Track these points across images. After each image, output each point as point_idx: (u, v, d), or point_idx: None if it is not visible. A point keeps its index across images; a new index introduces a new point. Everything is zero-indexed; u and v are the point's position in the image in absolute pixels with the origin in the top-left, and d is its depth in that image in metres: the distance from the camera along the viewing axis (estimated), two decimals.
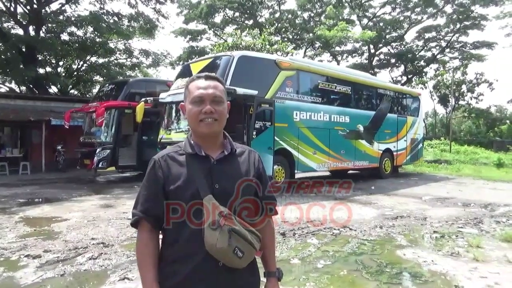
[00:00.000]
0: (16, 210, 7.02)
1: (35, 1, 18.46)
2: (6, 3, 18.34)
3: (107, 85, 14.16)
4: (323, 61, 30.76)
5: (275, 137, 8.74)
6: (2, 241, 4.86)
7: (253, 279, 1.36)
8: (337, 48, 31.53)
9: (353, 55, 34.90)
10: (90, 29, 20.58)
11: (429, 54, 34.18)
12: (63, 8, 19.93)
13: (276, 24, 29.84)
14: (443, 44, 32.73)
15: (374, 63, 34.23)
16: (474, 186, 11.06)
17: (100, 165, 11.37)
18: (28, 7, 18.63)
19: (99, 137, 11.90)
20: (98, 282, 3.51)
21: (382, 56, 35.22)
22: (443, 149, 25.51)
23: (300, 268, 3.90)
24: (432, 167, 16.79)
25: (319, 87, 10.38)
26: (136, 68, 25.83)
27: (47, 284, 3.46)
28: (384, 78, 27.05)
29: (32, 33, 18.68)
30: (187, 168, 1.31)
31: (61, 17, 19.99)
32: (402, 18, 32.11)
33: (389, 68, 35.87)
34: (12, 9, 18.73)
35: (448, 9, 30.31)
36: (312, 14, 32.40)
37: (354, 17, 32.74)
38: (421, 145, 14.92)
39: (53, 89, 21.85)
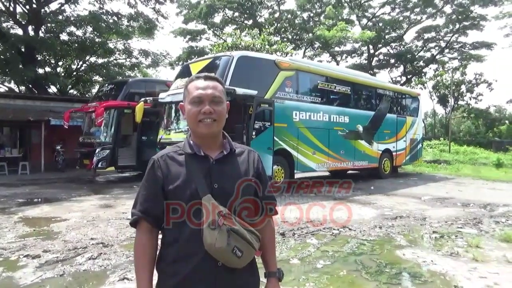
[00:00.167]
0: (15, 210, 7.01)
1: (34, 0, 18.42)
2: (5, 3, 18.31)
3: (106, 85, 14.13)
4: (322, 61, 30.76)
5: (275, 137, 8.74)
6: (1, 241, 4.85)
7: (252, 279, 1.36)
8: (337, 48, 31.59)
9: (353, 55, 34.98)
10: (90, 29, 20.58)
11: (428, 54, 34.26)
12: (62, 8, 19.93)
13: (276, 24, 29.84)
14: (443, 44, 32.79)
15: (373, 63, 34.27)
16: (473, 186, 11.07)
17: (99, 165, 11.37)
18: (27, 7, 18.60)
19: (99, 137, 11.89)
20: (97, 282, 3.51)
21: (381, 57, 35.29)
22: (443, 149, 25.53)
23: (299, 268, 3.90)
24: (432, 167, 16.81)
25: (319, 87, 10.38)
26: (136, 68, 25.80)
27: (47, 284, 3.45)
28: (383, 79, 27.07)
29: (31, 33, 18.66)
30: (186, 168, 1.31)
31: (60, 17, 19.98)
32: (401, 18, 32.16)
33: (389, 69, 35.93)
34: (11, 8, 18.70)
35: (448, 9, 30.44)
36: (312, 14, 32.43)
37: (353, 17, 32.84)
38: (420, 145, 14.91)
39: (53, 89, 21.85)
